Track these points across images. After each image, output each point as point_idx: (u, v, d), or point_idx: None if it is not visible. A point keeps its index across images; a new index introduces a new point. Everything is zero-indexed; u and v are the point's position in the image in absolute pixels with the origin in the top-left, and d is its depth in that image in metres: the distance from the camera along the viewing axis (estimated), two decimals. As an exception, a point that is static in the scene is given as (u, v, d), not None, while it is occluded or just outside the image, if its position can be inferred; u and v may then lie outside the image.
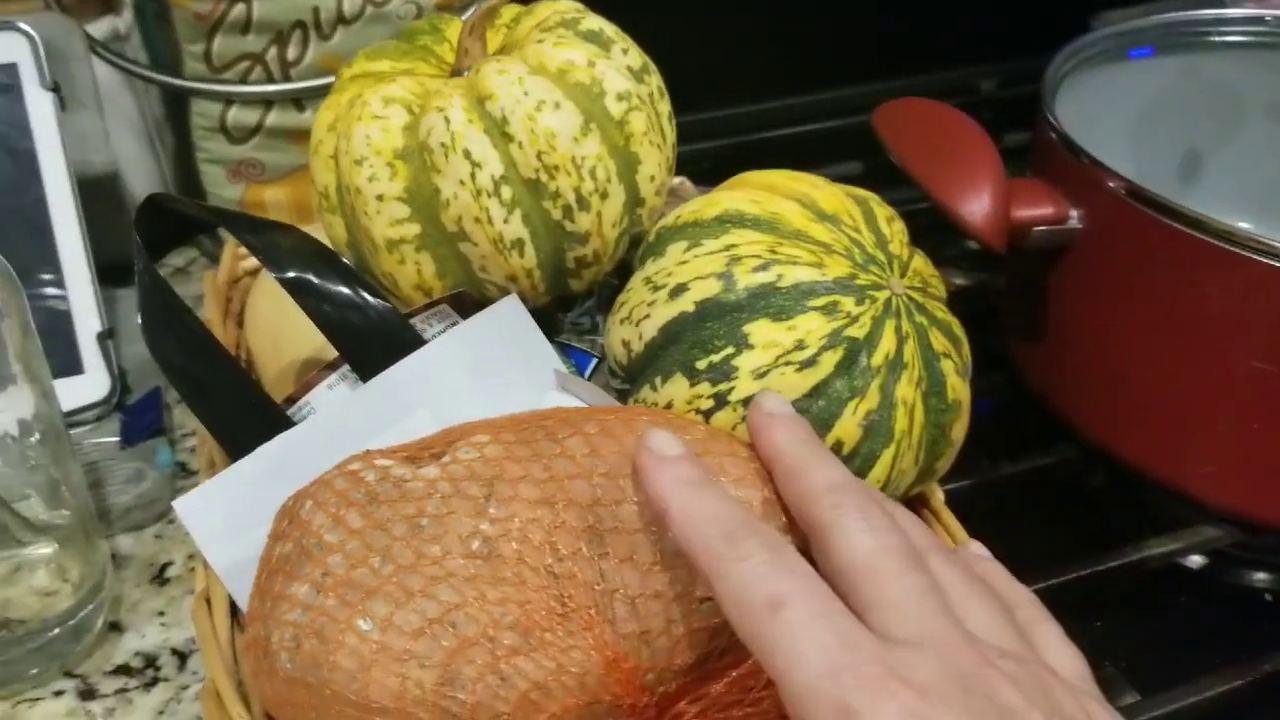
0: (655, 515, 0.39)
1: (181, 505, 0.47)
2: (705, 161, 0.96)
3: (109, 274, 0.71)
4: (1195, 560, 0.68)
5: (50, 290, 0.69)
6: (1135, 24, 0.78)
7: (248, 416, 0.48)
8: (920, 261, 0.51)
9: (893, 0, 1.04)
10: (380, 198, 0.50)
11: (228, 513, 0.47)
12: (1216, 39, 0.80)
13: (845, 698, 0.31)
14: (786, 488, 0.40)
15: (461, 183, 0.49)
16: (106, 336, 0.69)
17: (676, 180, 0.71)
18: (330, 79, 0.74)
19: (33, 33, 0.70)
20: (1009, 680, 0.33)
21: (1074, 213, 0.63)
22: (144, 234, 0.49)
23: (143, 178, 0.86)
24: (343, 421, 0.48)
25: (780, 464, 0.40)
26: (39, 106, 0.70)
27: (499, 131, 0.49)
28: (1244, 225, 0.58)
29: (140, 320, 0.50)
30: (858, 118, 0.75)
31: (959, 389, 0.50)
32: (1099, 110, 0.76)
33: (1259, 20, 0.78)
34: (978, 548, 0.45)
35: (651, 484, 0.39)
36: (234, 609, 0.48)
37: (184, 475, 0.68)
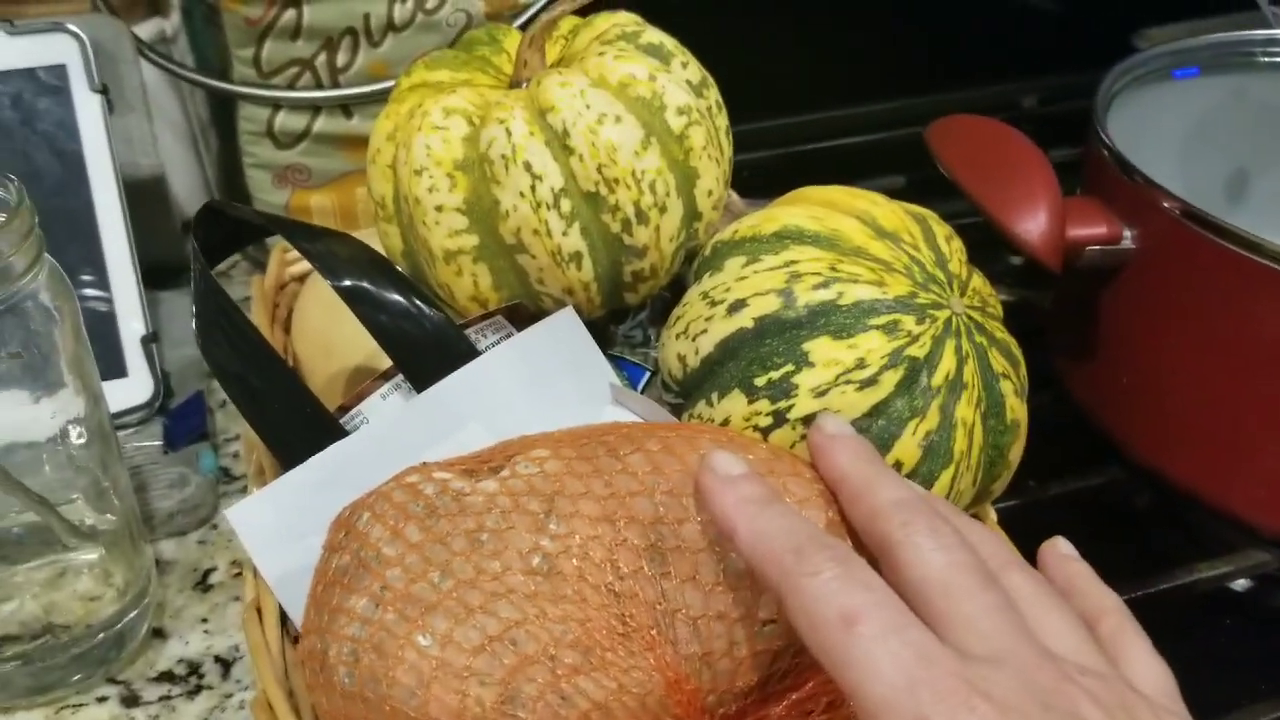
0: (721, 536, 0.38)
1: (234, 514, 0.46)
2: (746, 171, 0.96)
3: (153, 277, 0.71)
4: (1242, 584, 0.67)
5: (95, 292, 0.69)
6: (1185, 44, 0.78)
7: (301, 425, 0.48)
8: (979, 280, 0.51)
9: (936, 15, 1.03)
10: (439, 208, 0.50)
11: (279, 522, 0.47)
12: (1264, 59, 0.79)
13: (923, 712, 0.31)
14: (854, 508, 0.39)
15: (521, 194, 0.48)
16: (151, 340, 0.69)
17: (723, 192, 0.71)
18: (379, 85, 0.75)
19: (81, 34, 0.70)
20: (1089, 697, 0.32)
21: (1127, 232, 0.63)
22: (201, 240, 0.49)
23: (186, 181, 0.86)
24: (396, 432, 0.48)
25: (846, 485, 0.40)
26: (87, 108, 0.70)
27: (560, 144, 0.49)
28: (1293, 245, 0.58)
29: (195, 326, 0.50)
30: (901, 131, 0.75)
31: (1017, 410, 0.50)
32: (1147, 129, 0.75)
33: (1308, 41, 0.78)
34: (1065, 546, 0.44)
35: (716, 504, 0.38)
36: (284, 618, 0.47)
37: (227, 480, 0.68)
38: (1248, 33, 0.79)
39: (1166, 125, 0.79)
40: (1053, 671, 0.33)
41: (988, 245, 0.61)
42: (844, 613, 0.33)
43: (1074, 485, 0.70)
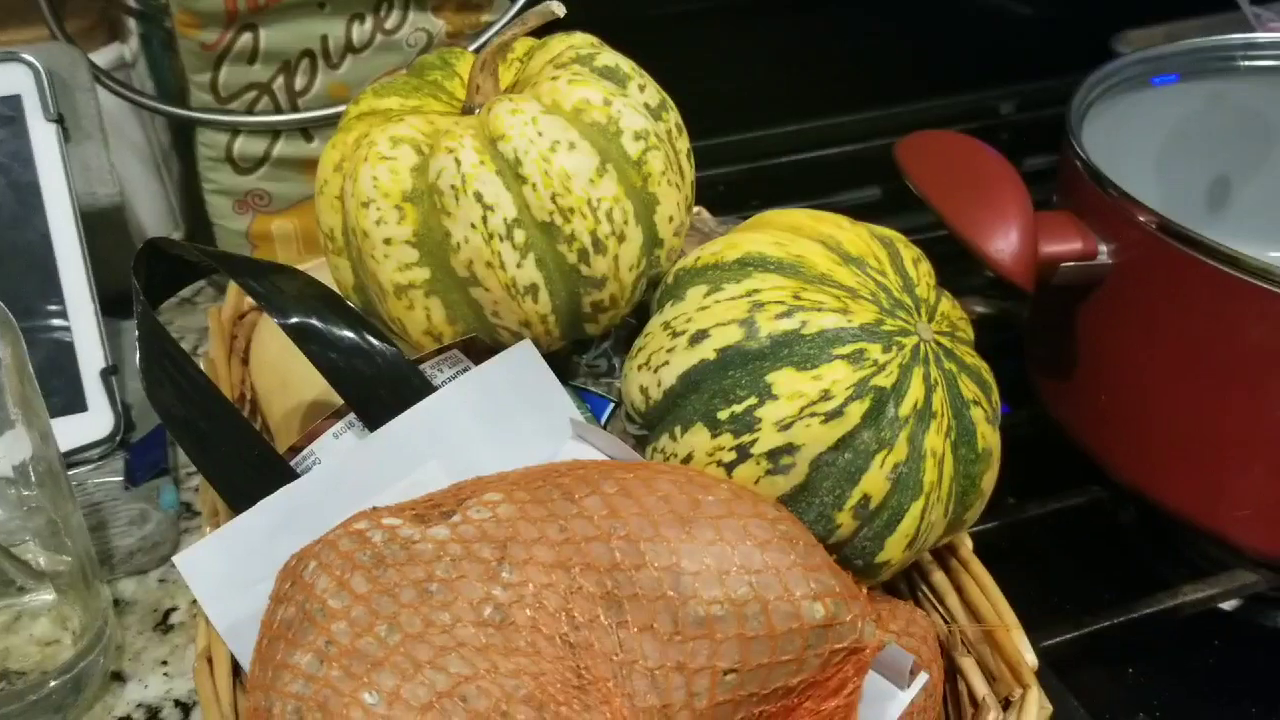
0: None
1: (182, 561, 0.45)
2: (721, 187, 0.95)
3: (115, 307, 0.70)
4: (1230, 604, 0.66)
5: (54, 324, 0.67)
6: (1160, 50, 0.77)
7: (250, 468, 0.47)
8: (948, 304, 0.49)
9: (910, 23, 1.02)
10: (388, 241, 0.48)
11: (230, 568, 0.45)
12: (1244, 64, 0.78)
13: None
14: None
15: (473, 226, 0.47)
16: (110, 373, 0.67)
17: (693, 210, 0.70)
18: (338, 109, 0.73)
19: (37, 64, 0.69)
20: None
21: (1103, 247, 0.61)
22: (144, 280, 0.48)
23: (150, 208, 0.85)
24: (349, 473, 0.46)
25: None
26: (43, 138, 0.69)
27: (512, 173, 0.47)
28: (1275, 255, 0.56)
29: (140, 369, 0.48)
30: (876, 142, 0.74)
31: (989, 437, 0.48)
32: (1125, 137, 0.74)
33: (1288, 45, 0.76)
34: None
35: None
36: (237, 668, 0.46)
37: (189, 516, 0.67)
38: (1226, 36, 0.78)
39: (1145, 133, 0.78)
40: None
41: (964, 257, 0.60)
42: None
43: (1055, 505, 0.69)
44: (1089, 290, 0.63)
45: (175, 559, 0.45)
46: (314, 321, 0.47)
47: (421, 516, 0.41)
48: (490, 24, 0.74)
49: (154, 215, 0.85)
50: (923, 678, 0.44)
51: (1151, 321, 0.61)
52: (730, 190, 0.94)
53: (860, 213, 0.53)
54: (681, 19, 0.92)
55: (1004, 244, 0.57)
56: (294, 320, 0.47)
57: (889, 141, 0.67)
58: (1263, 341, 0.57)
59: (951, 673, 0.50)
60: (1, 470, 0.52)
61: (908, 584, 0.54)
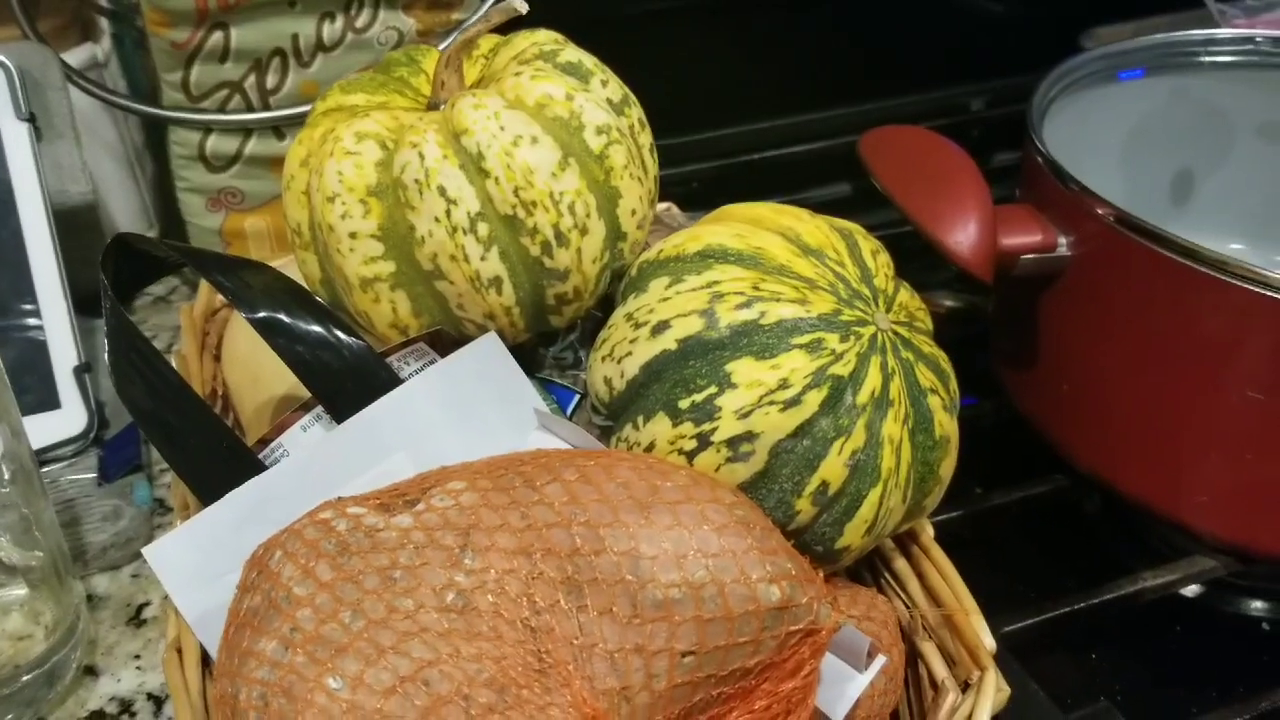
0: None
1: (151, 552, 0.46)
2: (694, 183, 0.95)
3: (88, 305, 0.70)
4: (1192, 590, 0.67)
5: (27, 322, 0.68)
6: (1125, 45, 0.78)
7: (218, 461, 0.47)
8: (906, 294, 0.50)
9: (881, 20, 1.03)
10: (353, 235, 0.49)
11: (199, 560, 0.46)
12: (1207, 60, 0.79)
13: None
14: None
15: (436, 220, 0.48)
16: (84, 370, 0.68)
17: (663, 206, 0.70)
18: (310, 107, 0.73)
19: (8, 62, 0.69)
20: None
21: (1062, 240, 0.62)
22: (112, 275, 0.48)
23: (124, 206, 0.85)
24: (317, 464, 0.47)
25: None
26: (14, 137, 0.69)
27: (475, 167, 0.48)
28: (1236, 247, 0.58)
29: (109, 363, 0.48)
30: (847, 138, 0.74)
31: (947, 425, 0.49)
32: (1089, 132, 0.75)
33: (1249, 40, 0.77)
34: None
35: None
36: (206, 657, 0.46)
37: (163, 511, 0.67)
38: (1189, 32, 0.79)
39: (1109, 128, 0.78)
40: None
41: (932, 254, 0.60)
42: None
43: (1019, 494, 0.70)
44: (1049, 283, 0.64)
45: (144, 550, 0.45)
46: (281, 316, 0.48)
47: (386, 505, 0.42)
48: (461, 22, 0.75)
49: (127, 214, 0.85)
50: (880, 660, 0.45)
51: (1110, 313, 0.62)
52: (703, 187, 0.95)
53: (830, 209, 0.53)
54: (652, 17, 0.93)
55: (963, 236, 0.58)
56: (261, 314, 0.47)
57: (859, 138, 0.68)
58: (1219, 332, 0.58)
59: (913, 657, 0.51)
60: (-27, 466, 0.53)
61: (870, 571, 0.55)
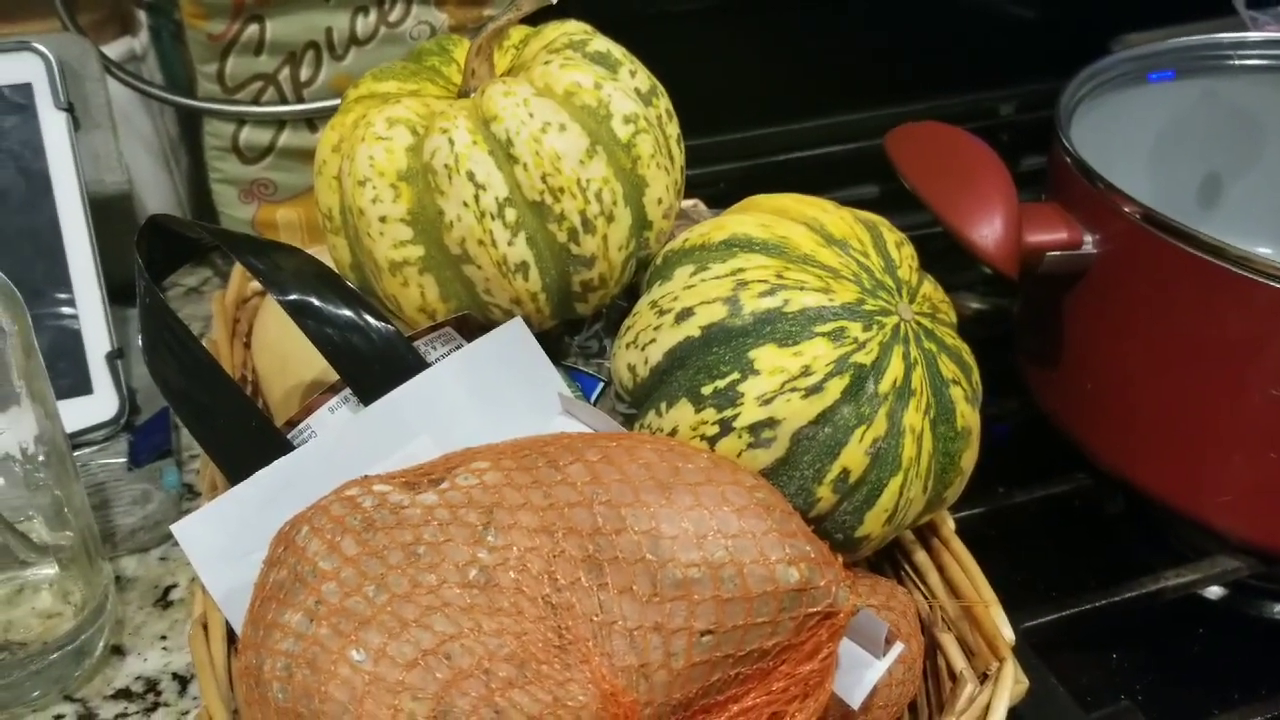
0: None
1: (180, 529, 0.46)
2: (721, 184, 0.96)
3: (121, 294, 0.71)
4: (1214, 591, 0.66)
5: (61, 309, 0.69)
6: (1154, 47, 0.78)
7: (247, 440, 0.48)
8: (929, 286, 0.50)
9: (911, 23, 1.03)
10: (383, 219, 0.49)
11: (226, 537, 0.46)
12: (1237, 62, 0.79)
13: None
14: None
15: (465, 205, 0.48)
16: (116, 356, 0.68)
17: (690, 203, 0.71)
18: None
19: (48, 53, 0.70)
20: None
21: (1088, 238, 0.62)
22: (146, 256, 0.49)
23: (158, 197, 0.86)
24: (343, 446, 0.47)
25: None
26: (53, 126, 0.70)
27: (504, 153, 0.48)
28: (1264, 250, 0.57)
29: (141, 343, 0.49)
30: (874, 141, 0.74)
31: (968, 416, 0.49)
32: (1118, 133, 0.75)
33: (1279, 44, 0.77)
34: None
35: None
36: (231, 634, 0.47)
37: (191, 496, 0.68)
38: (1219, 35, 0.79)
39: (1138, 129, 0.78)
40: None
41: (958, 254, 0.61)
42: None
43: (1041, 492, 0.69)
44: (1074, 281, 0.64)
45: (173, 527, 0.46)
46: (312, 298, 0.48)
47: (411, 483, 0.42)
48: (491, 18, 0.76)
49: (161, 204, 0.86)
50: (898, 647, 0.45)
51: (1136, 311, 0.62)
52: (729, 187, 0.95)
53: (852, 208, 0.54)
54: (682, 17, 0.93)
55: (988, 230, 0.58)
56: (292, 297, 0.48)
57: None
58: (1243, 330, 0.58)
59: (931, 648, 0.51)
60: (8, 448, 0.54)
61: (890, 563, 0.55)
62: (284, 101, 0.76)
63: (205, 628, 0.47)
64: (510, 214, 0.48)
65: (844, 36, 1.03)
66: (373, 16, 0.75)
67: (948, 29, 1.06)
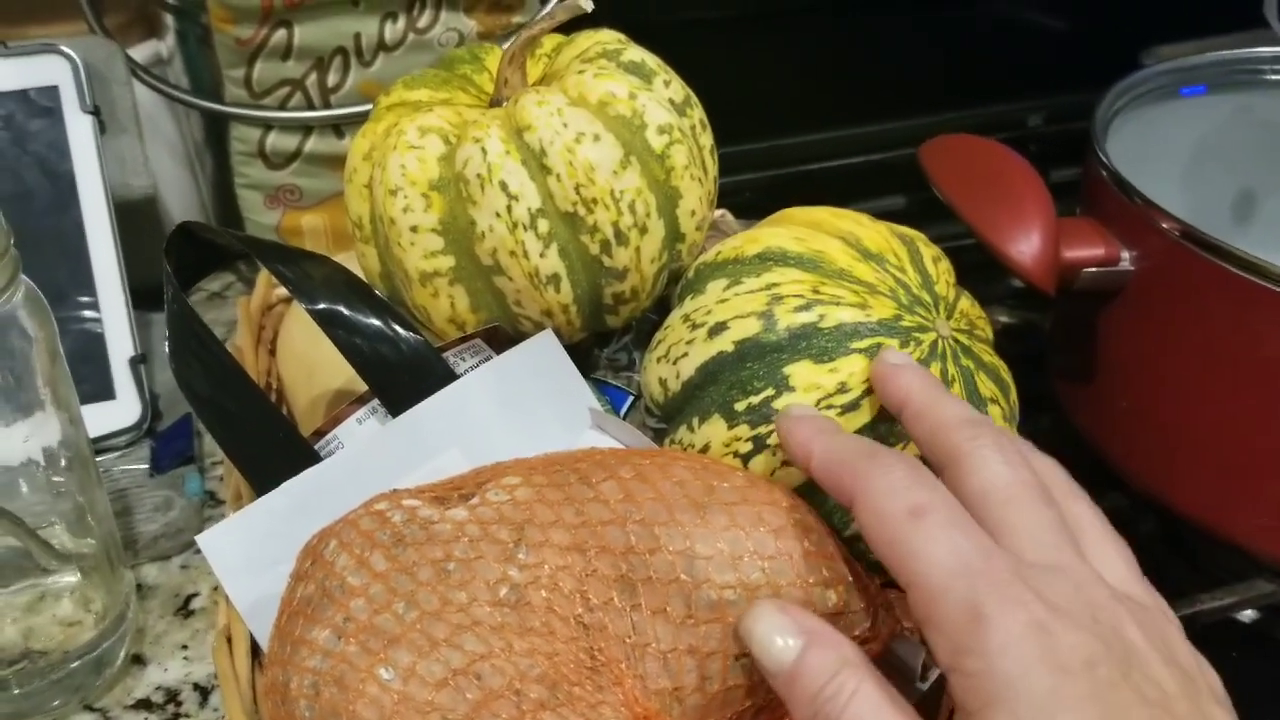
0: (800, 460, 0.39)
1: (205, 540, 0.46)
2: (747, 193, 0.95)
3: (145, 298, 0.71)
4: (1248, 615, 0.65)
5: (85, 314, 0.68)
6: (1188, 61, 0.77)
7: (274, 450, 0.47)
8: (967, 303, 0.50)
9: (940, 34, 1.02)
10: (414, 229, 0.49)
11: (251, 548, 0.46)
12: (1272, 76, 0.78)
13: (978, 600, 0.32)
14: (918, 424, 0.40)
15: (497, 215, 0.48)
16: (139, 362, 0.68)
17: (718, 213, 0.70)
18: (370, 106, 0.74)
19: (74, 56, 0.70)
20: (1135, 621, 0.34)
21: (1125, 254, 0.61)
22: (174, 262, 0.49)
23: (182, 202, 0.86)
24: (371, 458, 0.47)
25: (911, 402, 0.41)
26: (79, 129, 0.70)
27: (537, 163, 0.48)
28: (1300, 269, 0.56)
29: (169, 349, 0.49)
30: (902, 151, 0.74)
31: (1007, 436, 0.48)
32: (1150, 149, 0.74)
33: (1316, 59, 0.76)
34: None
35: (793, 440, 0.40)
36: (255, 647, 0.46)
37: (213, 504, 0.67)
38: (1254, 50, 0.78)
39: (1171, 144, 0.77)
40: (1103, 589, 0.34)
41: (988, 267, 0.60)
42: (911, 506, 0.35)
43: (1074, 511, 0.68)
44: (1110, 297, 0.63)
45: (198, 538, 0.45)
46: (340, 307, 0.48)
47: (441, 498, 0.42)
48: (521, 26, 0.75)
49: (186, 209, 0.86)
50: (937, 672, 0.44)
51: (1172, 328, 0.61)
52: (755, 196, 0.94)
53: (885, 221, 0.53)
54: (711, 25, 0.93)
55: (1025, 246, 0.57)
56: (321, 305, 0.48)
57: (916, 150, 0.68)
58: (1282, 349, 0.57)
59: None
60: (31, 453, 0.53)
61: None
62: (311, 107, 0.76)
63: (229, 640, 0.47)
64: (543, 225, 0.48)
65: (871, 47, 1.02)
66: (401, 23, 0.74)
67: (975, 40, 1.05)
